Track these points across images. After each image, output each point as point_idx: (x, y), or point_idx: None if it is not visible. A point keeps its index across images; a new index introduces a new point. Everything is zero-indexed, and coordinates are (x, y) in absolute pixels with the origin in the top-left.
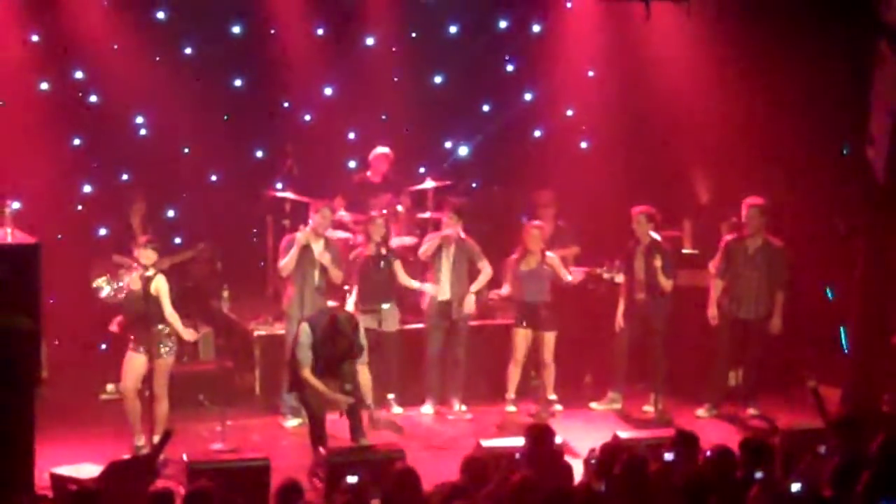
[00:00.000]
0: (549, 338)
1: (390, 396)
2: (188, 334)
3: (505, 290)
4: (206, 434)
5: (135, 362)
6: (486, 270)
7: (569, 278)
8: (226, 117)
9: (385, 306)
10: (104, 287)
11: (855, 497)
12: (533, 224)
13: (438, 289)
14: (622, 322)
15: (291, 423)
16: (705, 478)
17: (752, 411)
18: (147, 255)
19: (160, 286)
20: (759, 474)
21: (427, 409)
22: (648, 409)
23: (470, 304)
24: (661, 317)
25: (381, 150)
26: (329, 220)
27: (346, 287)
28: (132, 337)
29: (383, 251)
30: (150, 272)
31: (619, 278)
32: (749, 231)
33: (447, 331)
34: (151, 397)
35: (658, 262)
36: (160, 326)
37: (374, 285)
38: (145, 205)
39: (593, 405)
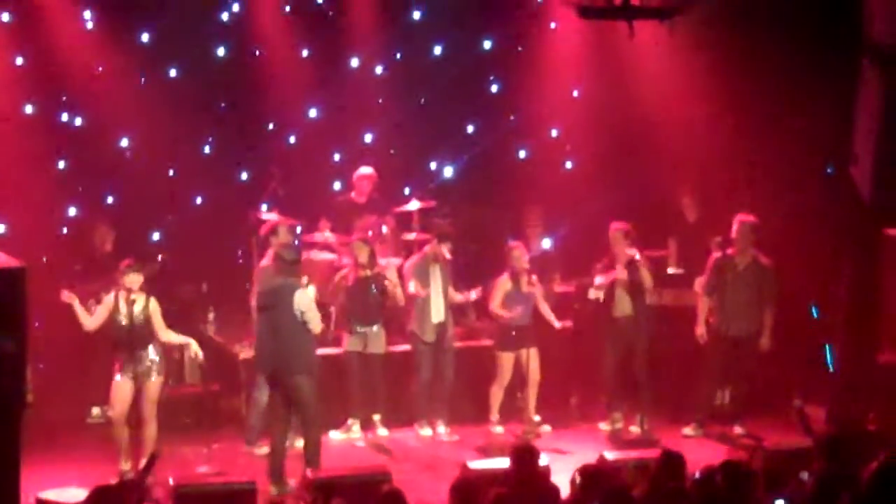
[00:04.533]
0: (534, 353)
1: (376, 418)
2: (193, 345)
3: (496, 307)
4: (193, 457)
5: (123, 388)
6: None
7: (553, 320)
8: (210, 139)
9: (374, 329)
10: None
11: None
12: (513, 245)
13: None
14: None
15: (262, 451)
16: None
17: (738, 430)
18: (133, 279)
19: (153, 308)
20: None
21: (426, 431)
22: (635, 429)
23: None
24: (643, 337)
25: (365, 170)
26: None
27: (331, 309)
28: (118, 362)
29: (369, 273)
30: (135, 295)
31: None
32: (738, 247)
33: (436, 353)
34: (139, 421)
35: (640, 275)
36: (150, 349)
37: (362, 307)
38: (113, 229)
39: (602, 426)
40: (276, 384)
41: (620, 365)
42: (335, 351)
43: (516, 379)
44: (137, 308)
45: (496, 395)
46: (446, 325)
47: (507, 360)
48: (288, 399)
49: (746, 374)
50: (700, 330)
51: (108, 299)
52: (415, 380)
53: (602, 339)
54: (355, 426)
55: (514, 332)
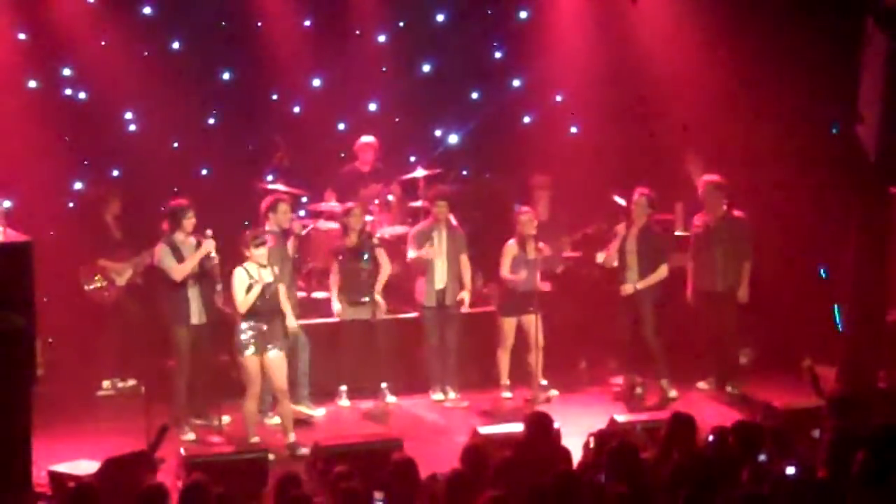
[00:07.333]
0: (532, 320)
1: (383, 385)
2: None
3: (506, 273)
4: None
5: (259, 363)
6: (465, 264)
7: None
8: (214, 110)
9: (368, 297)
10: (98, 284)
11: (850, 477)
12: (522, 210)
13: (433, 252)
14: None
15: (272, 420)
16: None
17: (729, 389)
18: (260, 255)
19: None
20: (762, 457)
21: (438, 395)
22: (673, 394)
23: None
24: (649, 304)
25: (366, 139)
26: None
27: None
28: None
29: (365, 241)
30: (264, 270)
31: (615, 262)
32: (708, 208)
33: (441, 319)
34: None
35: (653, 247)
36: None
37: (359, 276)
38: (119, 203)
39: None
40: None
41: (632, 331)
42: (332, 320)
43: (523, 344)
44: (269, 277)
45: (503, 359)
46: (447, 291)
47: (508, 324)
48: None
49: (730, 330)
50: (690, 291)
51: (240, 274)
52: (425, 346)
53: (614, 304)
54: (345, 395)
55: (516, 298)
